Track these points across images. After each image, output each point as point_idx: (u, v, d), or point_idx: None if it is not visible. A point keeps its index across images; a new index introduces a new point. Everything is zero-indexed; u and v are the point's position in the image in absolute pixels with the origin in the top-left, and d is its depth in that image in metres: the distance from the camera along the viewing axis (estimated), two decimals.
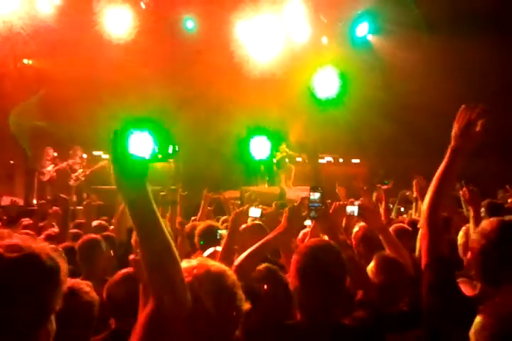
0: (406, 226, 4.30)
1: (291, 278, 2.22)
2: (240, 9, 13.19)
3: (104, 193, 11.04)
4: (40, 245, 1.41)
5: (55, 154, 11.95)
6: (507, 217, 2.12)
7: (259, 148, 13.15)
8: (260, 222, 3.71)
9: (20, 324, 1.32)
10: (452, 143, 2.18)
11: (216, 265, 1.76)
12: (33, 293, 1.33)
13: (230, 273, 1.76)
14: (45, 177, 11.31)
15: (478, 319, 1.50)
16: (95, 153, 12.04)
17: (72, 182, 11.46)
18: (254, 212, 3.32)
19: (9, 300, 1.31)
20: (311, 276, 2.15)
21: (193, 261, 1.76)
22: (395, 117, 12.01)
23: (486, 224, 2.07)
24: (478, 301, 1.85)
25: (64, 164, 11.28)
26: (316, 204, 2.87)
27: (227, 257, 2.79)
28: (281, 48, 13.79)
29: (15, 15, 11.89)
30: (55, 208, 6.44)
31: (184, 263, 1.75)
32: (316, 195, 2.88)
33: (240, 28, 13.81)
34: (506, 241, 1.98)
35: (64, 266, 1.43)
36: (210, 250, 3.40)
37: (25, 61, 13.68)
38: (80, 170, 11.60)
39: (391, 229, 3.80)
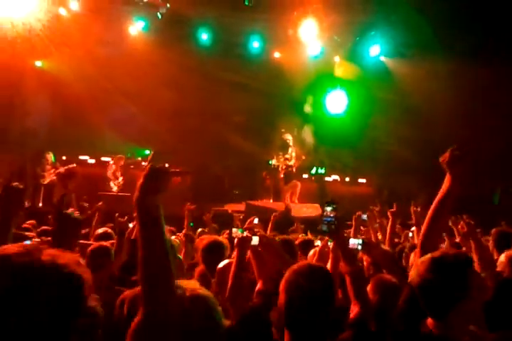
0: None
1: (280, 295, 2.15)
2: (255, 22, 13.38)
3: (109, 199, 11.08)
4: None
5: (64, 158, 12.03)
6: None
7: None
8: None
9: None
10: (448, 170, 2.30)
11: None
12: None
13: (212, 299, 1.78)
14: (45, 181, 11.38)
15: None
16: (103, 159, 12.12)
17: None
18: (253, 240, 3.18)
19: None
20: (299, 291, 2.08)
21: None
22: (405, 137, 12.06)
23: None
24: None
25: (62, 169, 11.35)
26: (329, 219, 2.81)
27: (238, 280, 2.92)
28: (293, 66, 13.91)
29: (33, 18, 12.01)
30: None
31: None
32: (328, 209, 2.85)
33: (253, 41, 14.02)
34: None
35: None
36: (225, 262, 3.40)
37: (39, 63, 13.76)
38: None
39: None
